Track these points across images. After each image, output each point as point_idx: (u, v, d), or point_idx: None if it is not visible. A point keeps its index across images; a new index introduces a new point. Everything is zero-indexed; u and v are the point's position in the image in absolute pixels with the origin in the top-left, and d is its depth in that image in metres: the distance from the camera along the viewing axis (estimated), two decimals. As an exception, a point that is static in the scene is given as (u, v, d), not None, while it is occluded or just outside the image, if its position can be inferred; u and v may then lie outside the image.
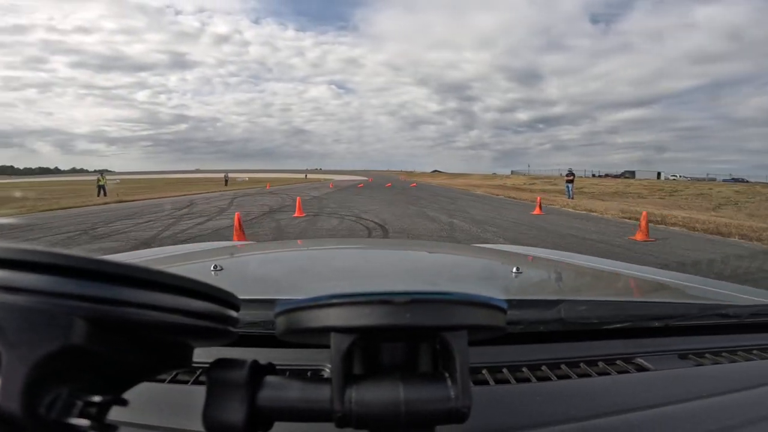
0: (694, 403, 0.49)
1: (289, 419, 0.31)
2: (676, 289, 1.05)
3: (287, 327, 0.32)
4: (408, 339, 0.33)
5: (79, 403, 0.25)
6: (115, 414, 0.27)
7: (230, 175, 45.58)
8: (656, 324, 0.68)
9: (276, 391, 0.31)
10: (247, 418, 0.30)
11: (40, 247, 0.24)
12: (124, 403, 0.28)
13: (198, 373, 0.52)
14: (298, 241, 1.78)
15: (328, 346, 0.30)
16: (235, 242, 1.82)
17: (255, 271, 1.16)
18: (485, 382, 0.54)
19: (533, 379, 0.55)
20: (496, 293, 0.65)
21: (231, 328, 0.33)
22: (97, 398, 0.25)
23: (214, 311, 0.31)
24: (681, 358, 0.64)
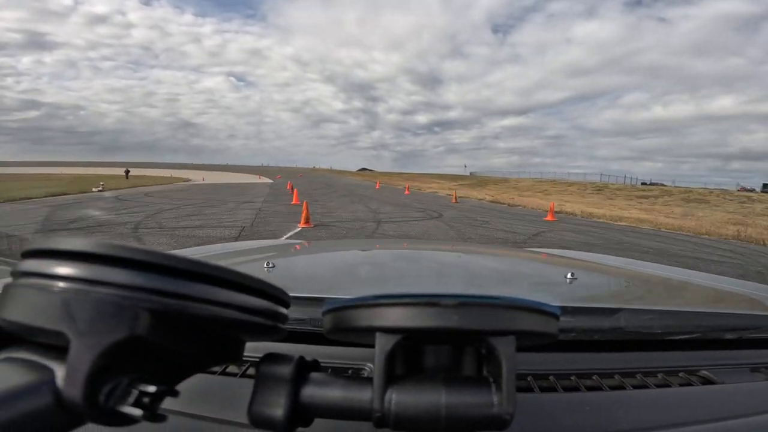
0: (764, 417, 0.45)
1: (329, 416, 0.32)
2: (748, 299, 0.97)
3: (334, 325, 0.33)
4: (454, 342, 0.32)
5: (135, 392, 0.26)
6: (165, 403, 0.28)
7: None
8: (728, 336, 0.63)
9: (319, 387, 0.32)
10: (289, 413, 0.31)
11: (112, 241, 0.26)
12: (176, 394, 0.29)
13: (246, 366, 0.54)
14: (348, 241, 1.81)
15: (372, 346, 0.31)
16: (288, 240, 1.88)
17: (305, 269, 1.19)
18: (530, 389, 0.52)
19: (582, 389, 0.52)
20: (548, 299, 0.62)
21: (281, 325, 0.34)
22: (151, 388, 0.26)
23: (267, 308, 0.32)
24: (753, 372, 0.59)
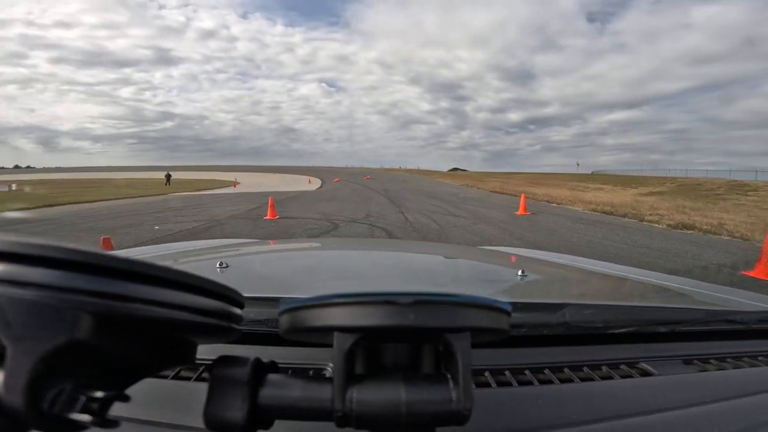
0: (697, 408, 0.49)
1: (289, 417, 0.31)
2: (683, 294, 1.04)
3: (291, 325, 0.33)
4: (411, 340, 0.33)
5: (82, 398, 0.25)
6: (116, 409, 0.27)
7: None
8: (662, 329, 0.68)
9: (277, 389, 0.31)
10: (248, 416, 0.30)
11: (46, 242, 0.24)
12: (126, 399, 0.28)
13: (201, 369, 0.52)
14: (304, 241, 1.79)
15: (331, 345, 0.30)
16: (241, 240, 1.83)
17: (260, 269, 1.17)
18: (487, 385, 0.54)
19: (535, 382, 0.55)
20: (500, 296, 0.65)
21: (235, 326, 0.33)
22: (99, 394, 0.25)
23: (219, 308, 0.31)
24: (686, 364, 0.64)
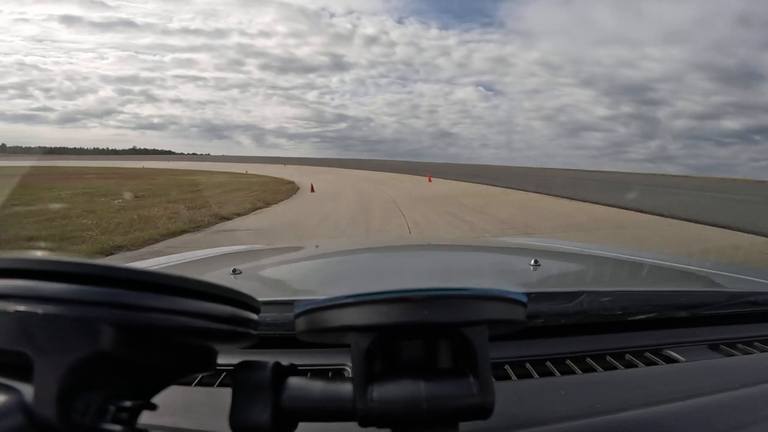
0: (726, 394, 0.47)
1: (312, 419, 0.32)
2: (703, 277, 1.03)
3: (307, 327, 0.33)
4: (428, 336, 0.33)
5: (111, 409, 0.25)
6: (144, 418, 0.28)
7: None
8: (683, 314, 0.67)
9: (299, 391, 0.32)
10: (271, 419, 0.30)
11: (66, 258, 0.25)
12: (153, 407, 0.28)
13: (222, 375, 0.53)
14: (315, 244, 1.80)
15: (348, 346, 0.31)
16: (252, 246, 1.85)
17: (273, 273, 1.18)
18: (508, 378, 0.53)
19: (557, 374, 0.54)
20: (515, 287, 0.64)
21: (252, 331, 0.34)
22: (128, 403, 0.26)
23: (235, 314, 0.31)
24: (711, 349, 0.62)
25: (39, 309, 0.24)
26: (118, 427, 0.25)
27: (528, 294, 0.34)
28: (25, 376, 0.24)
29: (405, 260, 1.29)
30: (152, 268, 0.27)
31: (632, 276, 1.10)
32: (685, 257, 1.27)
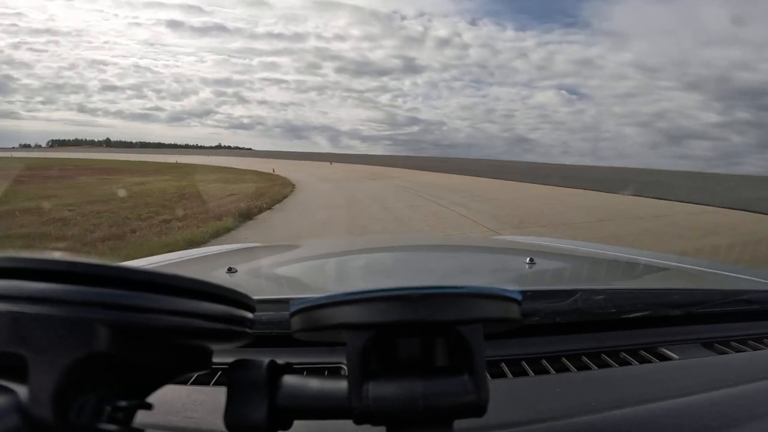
0: (720, 392, 0.48)
1: (308, 417, 0.32)
2: (697, 275, 1.03)
3: (303, 326, 0.33)
4: (423, 334, 0.33)
5: (107, 408, 0.25)
6: (140, 417, 0.28)
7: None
8: (677, 312, 0.67)
9: (294, 390, 0.32)
10: (267, 418, 0.30)
11: (58, 257, 0.25)
12: (149, 407, 0.28)
13: (218, 374, 0.53)
14: (310, 241, 1.80)
15: (344, 344, 0.31)
16: (248, 244, 1.85)
17: (268, 271, 1.18)
18: (503, 375, 0.54)
19: (552, 371, 0.55)
20: (510, 285, 0.65)
21: (247, 329, 0.34)
22: (123, 403, 0.26)
23: (231, 313, 0.31)
24: (705, 347, 0.63)
25: (33, 309, 0.24)
26: (114, 427, 0.25)
27: (523, 292, 0.34)
28: (21, 376, 0.24)
29: (401, 259, 1.29)
30: (147, 267, 0.27)
31: (627, 274, 1.11)
32: (680, 256, 1.28)
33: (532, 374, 0.54)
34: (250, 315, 0.34)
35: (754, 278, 0.92)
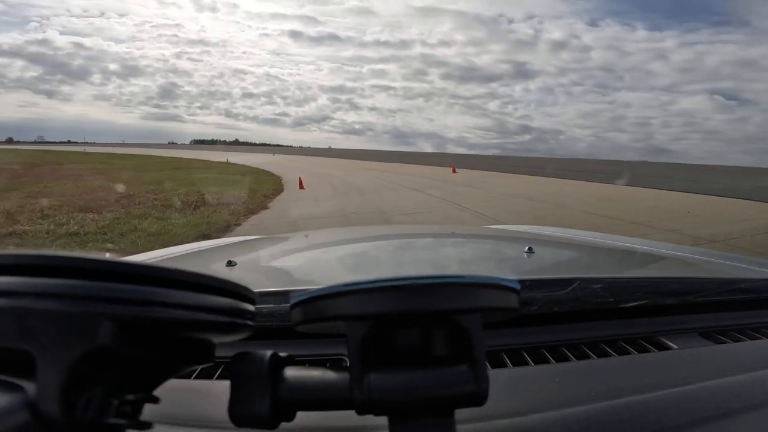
0: (718, 381, 0.48)
1: (311, 408, 0.32)
2: (694, 264, 1.04)
3: (303, 317, 0.33)
4: (423, 324, 0.33)
5: (115, 403, 0.26)
6: (147, 411, 0.28)
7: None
8: (674, 301, 0.68)
9: (296, 382, 0.32)
10: (270, 410, 0.31)
11: (61, 252, 0.25)
12: (156, 400, 0.29)
13: (222, 367, 0.53)
14: (309, 232, 1.80)
15: (344, 335, 0.31)
16: (248, 237, 1.85)
17: (268, 264, 1.18)
18: (504, 365, 0.54)
19: (552, 361, 0.55)
20: (509, 274, 0.65)
21: (249, 322, 0.34)
22: (130, 397, 0.26)
23: (231, 306, 0.31)
24: (703, 337, 0.63)
25: (38, 305, 0.24)
26: (122, 421, 0.25)
27: (521, 281, 0.34)
28: (29, 373, 0.25)
29: (400, 249, 1.29)
30: (148, 262, 0.27)
31: (625, 263, 1.11)
32: (678, 245, 1.28)
33: (532, 364, 0.54)
34: (251, 307, 0.34)
35: (752, 267, 0.93)
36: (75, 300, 0.24)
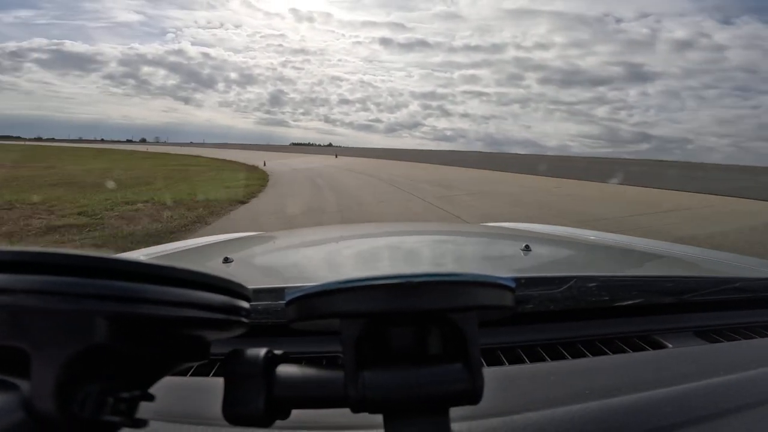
0: (713, 380, 0.48)
1: (305, 406, 0.32)
2: (691, 263, 1.04)
3: (298, 315, 0.33)
4: (418, 322, 0.33)
5: (110, 400, 0.26)
6: (143, 409, 0.28)
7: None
8: (670, 300, 0.68)
9: (291, 379, 0.32)
10: (265, 408, 0.31)
11: (55, 249, 0.25)
12: (151, 398, 0.29)
13: (217, 365, 0.53)
14: (305, 229, 1.80)
15: (340, 333, 0.31)
16: (244, 233, 1.85)
17: (264, 261, 1.18)
18: (499, 363, 0.54)
19: (548, 359, 0.55)
20: (504, 272, 0.65)
21: (243, 319, 0.34)
22: (126, 394, 0.26)
23: (226, 303, 0.31)
24: (698, 336, 0.64)
25: (31, 302, 0.24)
26: (117, 419, 0.25)
27: (517, 279, 0.34)
28: (23, 371, 0.24)
29: (396, 246, 1.29)
30: (143, 258, 0.27)
31: (621, 262, 1.11)
32: (674, 244, 1.28)
33: (528, 362, 0.55)
34: (246, 304, 0.34)
35: (747, 266, 0.93)
36: (69, 297, 0.24)
